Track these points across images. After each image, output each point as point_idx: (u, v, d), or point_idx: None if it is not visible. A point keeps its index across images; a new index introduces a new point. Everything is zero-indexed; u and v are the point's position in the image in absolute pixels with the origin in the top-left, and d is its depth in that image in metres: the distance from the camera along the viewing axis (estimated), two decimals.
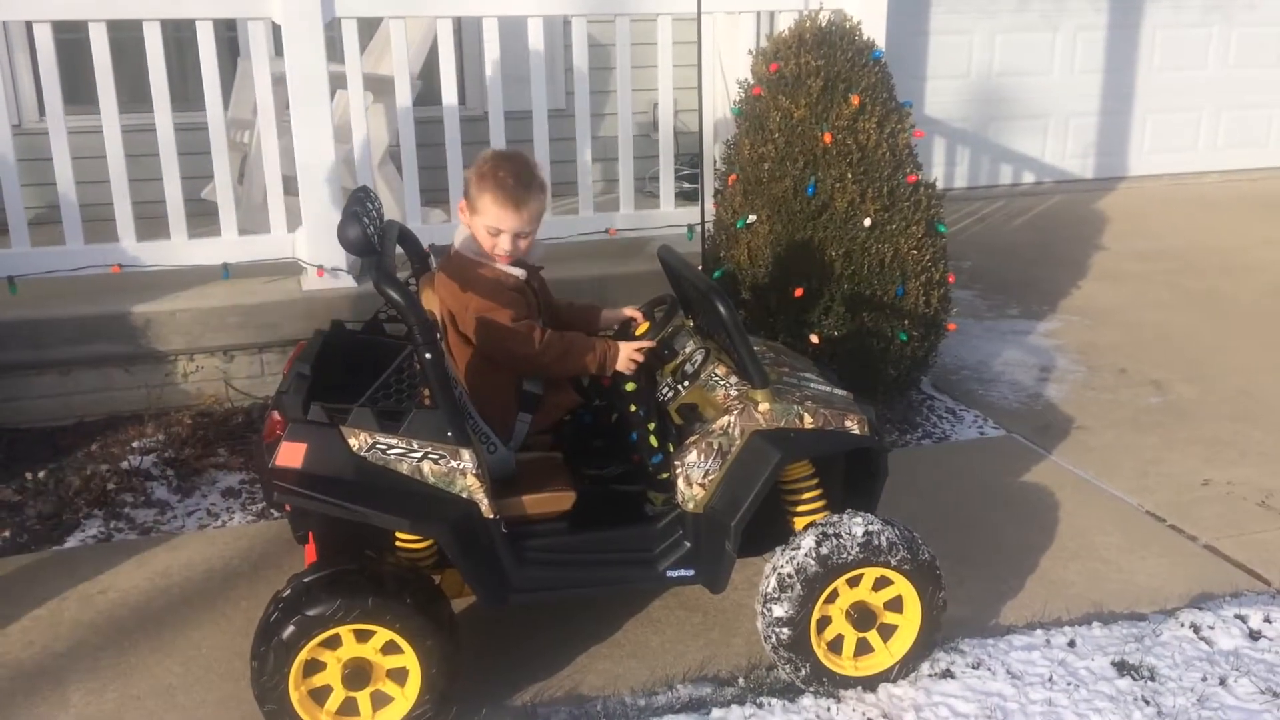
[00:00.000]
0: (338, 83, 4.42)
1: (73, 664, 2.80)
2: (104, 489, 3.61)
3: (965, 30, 7.60)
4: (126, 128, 4.08)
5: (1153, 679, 2.74)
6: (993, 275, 6.11)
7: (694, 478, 2.61)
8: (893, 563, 2.61)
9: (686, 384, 2.82)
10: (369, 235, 2.42)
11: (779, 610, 2.59)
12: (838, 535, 2.59)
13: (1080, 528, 3.53)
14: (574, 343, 2.75)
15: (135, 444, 3.89)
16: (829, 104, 4.14)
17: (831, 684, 2.66)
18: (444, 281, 2.75)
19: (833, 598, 2.63)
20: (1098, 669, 2.78)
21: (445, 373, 2.42)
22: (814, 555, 2.57)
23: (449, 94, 4.42)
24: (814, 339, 4.19)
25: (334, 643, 2.40)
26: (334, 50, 4.28)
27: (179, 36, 4.52)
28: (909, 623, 2.69)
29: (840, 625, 2.66)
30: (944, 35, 7.53)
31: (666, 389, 2.86)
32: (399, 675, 2.45)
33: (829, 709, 2.62)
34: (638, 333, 2.90)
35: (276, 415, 2.46)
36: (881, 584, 2.65)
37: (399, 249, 2.82)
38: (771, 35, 4.74)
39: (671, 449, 2.74)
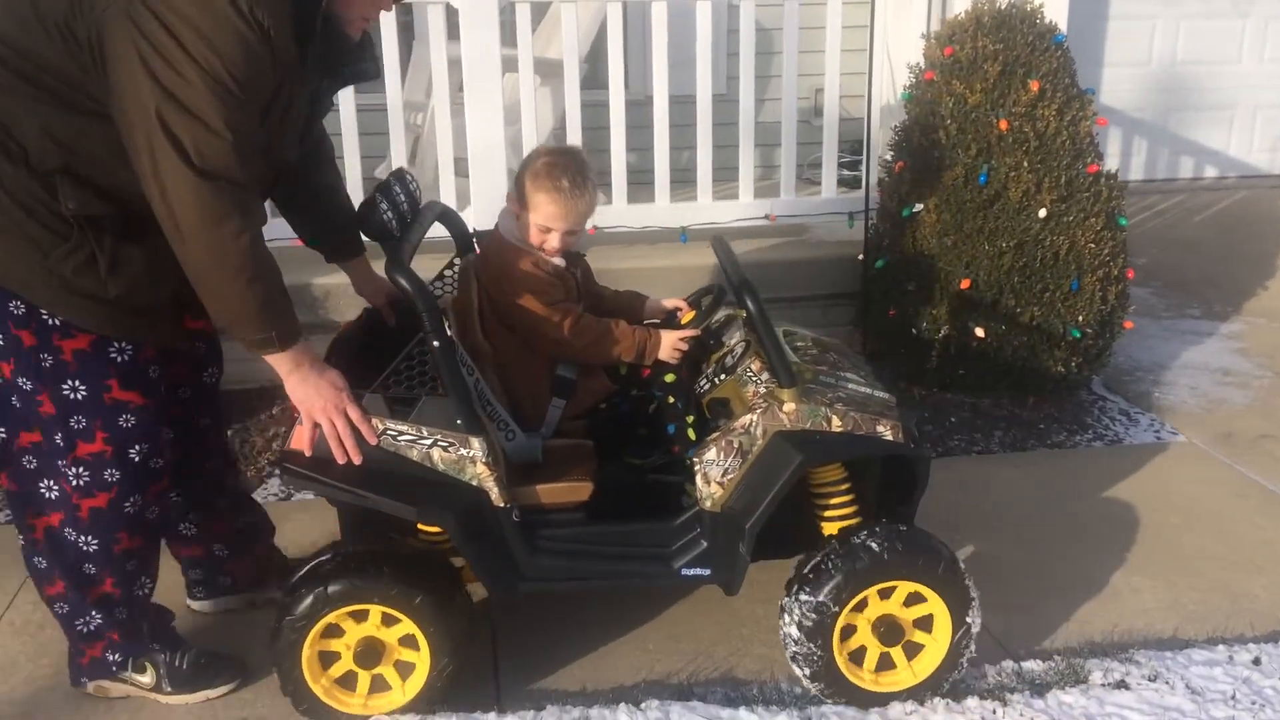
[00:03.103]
0: (507, 66, 4.52)
1: (257, 616, 2.93)
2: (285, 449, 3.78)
3: (1148, 16, 7.22)
4: None
5: None
6: (1171, 273, 5.80)
7: (712, 476, 2.50)
8: (912, 576, 2.47)
9: (723, 376, 2.72)
10: (385, 220, 2.40)
11: (797, 632, 2.50)
12: (850, 553, 2.46)
13: (1267, 540, 3.33)
14: (612, 329, 2.68)
15: None
16: (1006, 89, 4.00)
17: (852, 700, 2.55)
18: (484, 264, 2.73)
19: (861, 607, 2.51)
20: None
21: (454, 360, 2.38)
22: (856, 559, 2.45)
23: (616, 78, 4.46)
24: (979, 332, 4.08)
25: (357, 618, 2.43)
26: (505, 34, 4.38)
27: None
28: (937, 640, 2.54)
29: (865, 638, 2.54)
30: (1125, 21, 7.17)
31: (705, 381, 2.78)
32: (410, 653, 2.48)
33: (994, 711, 2.54)
34: (683, 321, 2.82)
35: None
36: (913, 599, 2.52)
37: (447, 231, 2.83)
38: (944, 19, 4.62)
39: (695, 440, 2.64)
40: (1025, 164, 3.97)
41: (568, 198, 2.63)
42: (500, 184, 4.43)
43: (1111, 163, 7.17)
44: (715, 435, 2.52)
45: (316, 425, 2.35)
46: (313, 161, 2.63)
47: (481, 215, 4.45)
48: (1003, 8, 4.17)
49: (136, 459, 2.39)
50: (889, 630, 2.51)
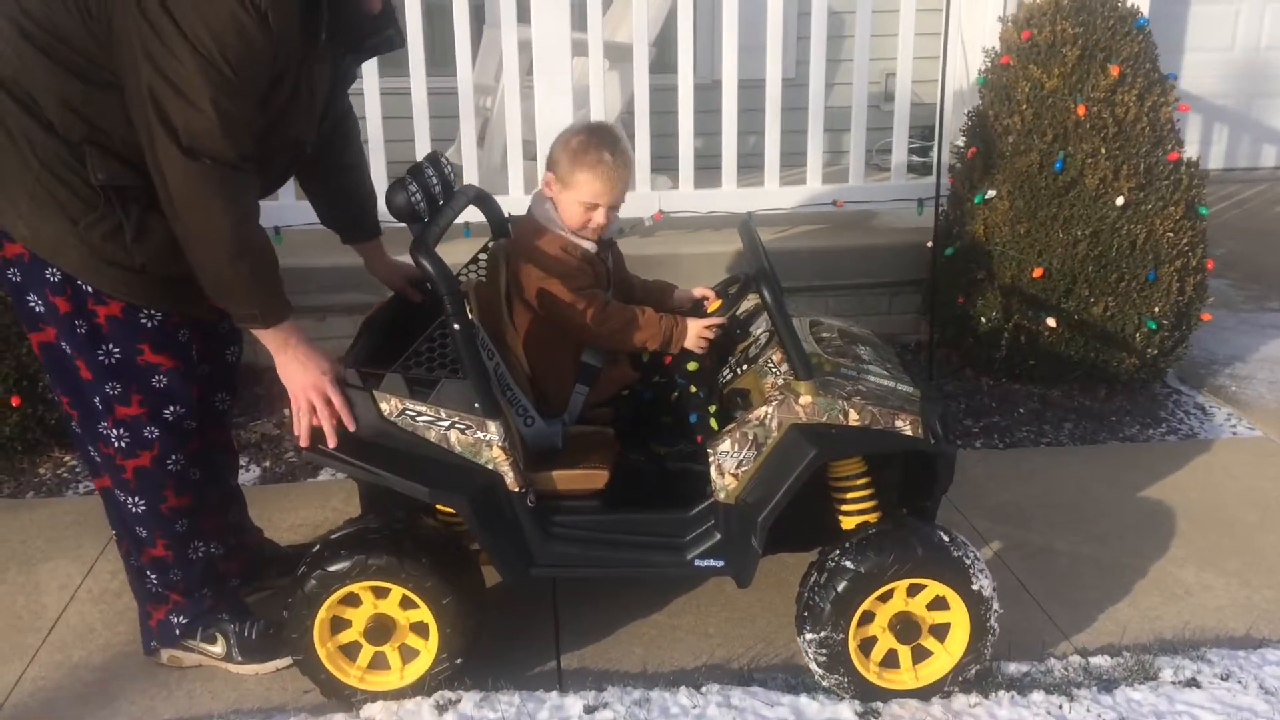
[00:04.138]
0: (576, 49, 4.53)
1: None
2: None
3: (1232, 0, 7.02)
4: (382, 90, 4.33)
5: None
6: (1250, 264, 5.65)
7: (726, 467, 2.47)
8: (900, 574, 2.42)
9: (745, 367, 2.68)
10: (413, 202, 2.40)
11: (820, 669, 2.49)
12: (854, 558, 2.43)
13: None
14: (637, 316, 2.67)
15: None
16: (1084, 74, 3.91)
17: (883, 699, 2.53)
18: (514, 248, 2.72)
19: (867, 620, 2.48)
20: None
21: (474, 343, 2.38)
22: (834, 585, 2.43)
23: (685, 62, 4.45)
24: (1051, 322, 4.01)
25: (378, 594, 2.46)
26: (575, 18, 4.38)
27: (429, 3, 4.73)
28: (958, 623, 2.50)
29: (889, 643, 2.51)
30: (1207, 5, 6.98)
31: (727, 370, 2.74)
32: (418, 640, 2.51)
33: (1060, 706, 2.51)
34: (709, 310, 2.79)
35: None
36: (914, 589, 2.48)
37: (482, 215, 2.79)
38: (1021, 2, 4.53)
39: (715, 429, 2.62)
40: (1103, 150, 3.89)
41: (612, 170, 2.64)
42: None
43: (1191, 150, 6.99)
44: (730, 426, 2.49)
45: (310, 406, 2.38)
46: (334, 138, 2.63)
47: None
48: None
49: (171, 419, 2.44)
50: (906, 626, 2.48)
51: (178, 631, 2.63)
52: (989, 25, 4.54)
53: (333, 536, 2.48)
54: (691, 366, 2.70)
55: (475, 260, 2.99)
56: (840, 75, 5.73)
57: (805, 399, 2.44)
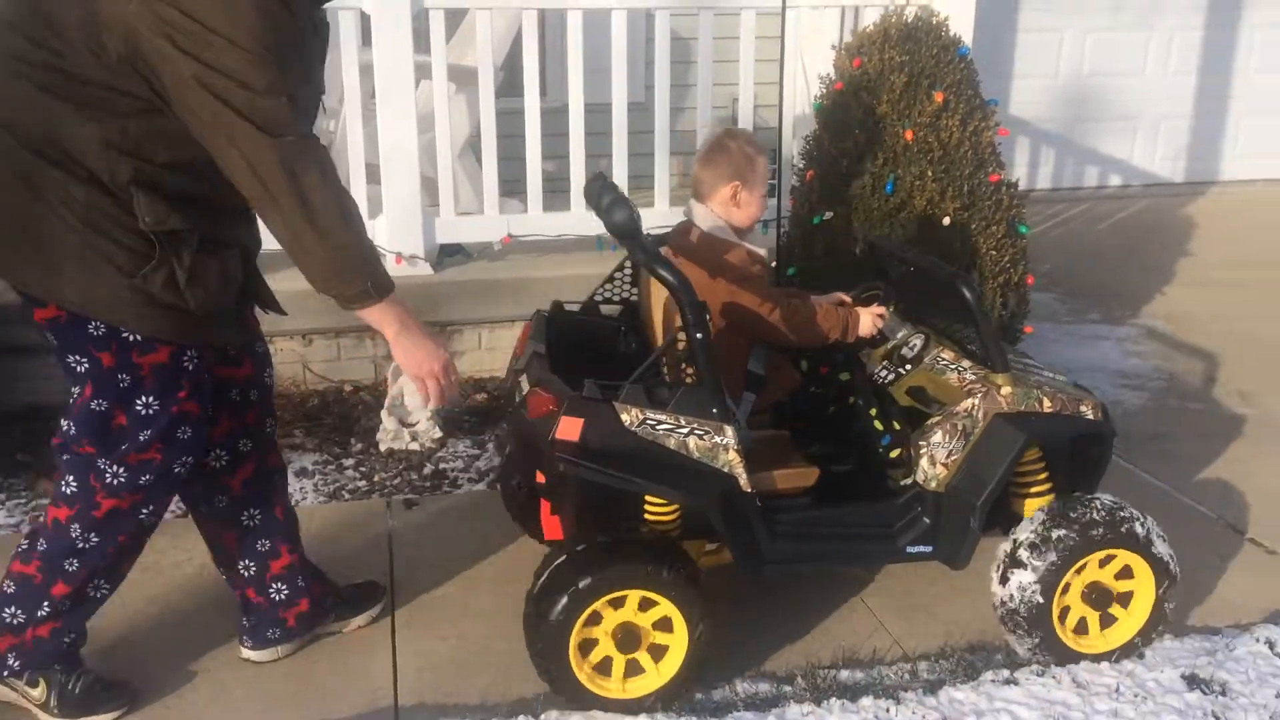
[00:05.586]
0: (421, 73, 4.51)
1: (151, 631, 2.90)
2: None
3: (1056, 29, 7.44)
4: None
5: (1224, 694, 2.68)
6: (1073, 279, 5.99)
7: (938, 458, 2.69)
8: (1128, 543, 2.70)
9: (908, 367, 2.92)
10: (635, 219, 2.46)
11: (1022, 605, 2.70)
12: (1073, 520, 2.68)
13: None
14: (818, 309, 2.89)
15: None
16: (911, 100, 4.09)
17: (1061, 659, 2.77)
18: (696, 262, 2.81)
19: (1065, 589, 2.72)
20: (1166, 681, 2.72)
21: (713, 351, 2.49)
22: (1054, 544, 2.66)
23: (532, 85, 4.47)
24: None
25: (615, 605, 2.52)
26: (419, 41, 4.36)
27: None
28: (1143, 592, 2.77)
29: (1080, 608, 2.76)
30: (1033, 33, 7.39)
31: (885, 372, 2.97)
32: (665, 634, 2.58)
33: (888, 709, 2.60)
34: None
35: (541, 392, 2.55)
36: (1122, 570, 2.75)
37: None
38: (856, 30, 4.71)
39: (897, 428, 2.84)
40: (929, 173, 4.07)
41: (763, 150, 2.90)
42: (414, 192, 4.41)
43: (1019, 172, 7.41)
44: (937, 419, 2.72)
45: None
46: None
47: (396, 223, 4.44)
48: (909, 21, 4.27)
49: (177, 469, 2.43)
50: (1099, 596, 2.73)
51: (5, 672, 2.53)
52: (826, 53, 4.71)
53: (557, 562, 2.52)
54: (844, 377, 2.93)
55: (611, 280, 3.15)
56: (690, 99, 5.83)
57: (1006, 390, 2.70)
